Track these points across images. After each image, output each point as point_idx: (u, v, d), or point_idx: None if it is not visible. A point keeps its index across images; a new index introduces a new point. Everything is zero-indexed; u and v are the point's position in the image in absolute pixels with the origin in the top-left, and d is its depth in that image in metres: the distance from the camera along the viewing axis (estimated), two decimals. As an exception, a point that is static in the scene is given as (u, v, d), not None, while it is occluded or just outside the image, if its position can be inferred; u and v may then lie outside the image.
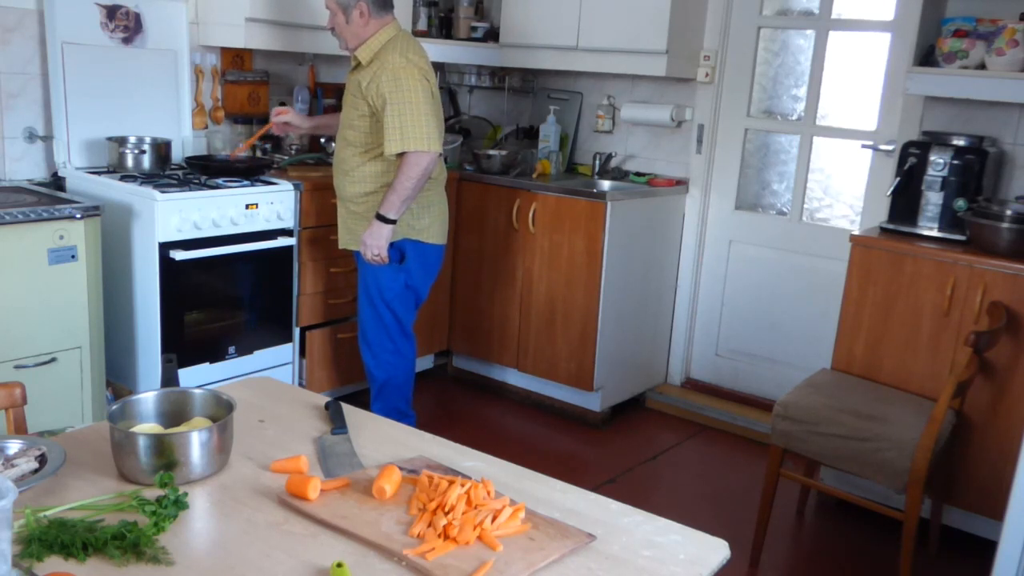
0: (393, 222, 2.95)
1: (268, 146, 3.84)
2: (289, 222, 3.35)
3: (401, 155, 2.89)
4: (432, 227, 3.13)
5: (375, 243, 2.97)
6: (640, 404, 4.21)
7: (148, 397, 1.53)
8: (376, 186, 3.03)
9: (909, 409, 2.80)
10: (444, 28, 4.36)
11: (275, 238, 3.30)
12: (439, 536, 1.26)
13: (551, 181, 4.02)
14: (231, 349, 3.28)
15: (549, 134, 4.30)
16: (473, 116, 4.72)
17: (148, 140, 3.31)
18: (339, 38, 3.04)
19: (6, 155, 3.16)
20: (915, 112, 3.45)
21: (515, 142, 4.52)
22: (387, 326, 3.16)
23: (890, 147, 3.58)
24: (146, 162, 3.25)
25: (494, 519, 1.30)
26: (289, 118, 3.31)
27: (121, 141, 3.25)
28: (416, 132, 2.85)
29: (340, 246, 3.21)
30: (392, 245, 3.04)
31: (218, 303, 3.24)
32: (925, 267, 2.98)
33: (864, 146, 3.71)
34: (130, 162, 3.23)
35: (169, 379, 1.63)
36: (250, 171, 3.38)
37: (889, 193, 3.27)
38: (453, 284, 4.20)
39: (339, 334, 3.62)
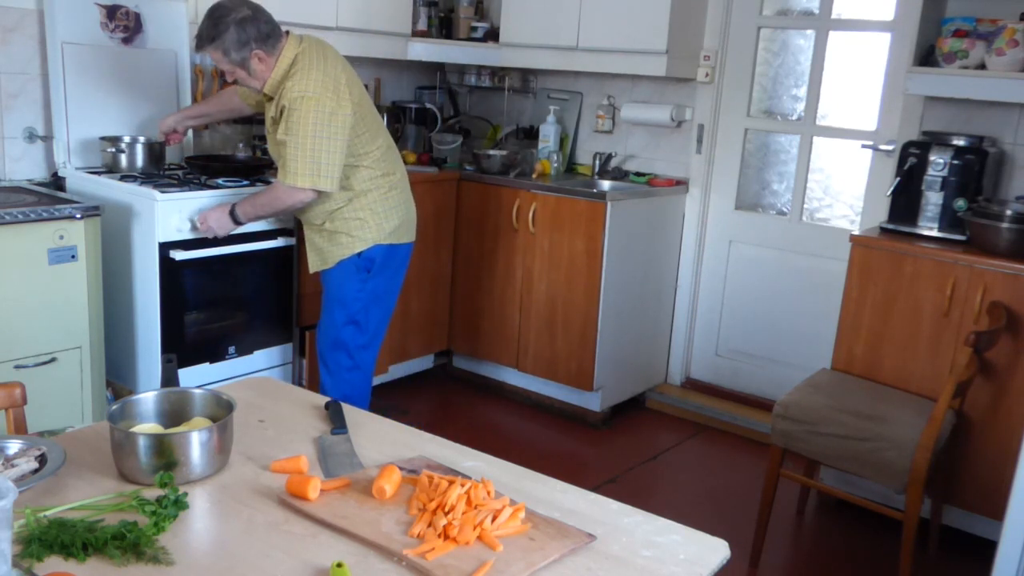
0: (239, 223, 2.94)
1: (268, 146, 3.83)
2: (289, 222, 3.35)
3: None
4: (400, 228, 3.04)
5: (215, 224, 2.94)
6: (640, 404, 4.21)
7: (148, 397, 1.53)
8: (339, 201, 2.91)
9: (909, 409, 2.80)
10: (444, 28, 4.36)
11: (275, 238, 3.30)
12: (439, 536, 1.26)
13: (551, 181, 4.02)
14: (231, 349, 3.28)
15: (549, 134, 4.30)
16: (473, 116, 4.72)
17: (141, 139, 3.28)
18: (247, 87, 2.90)
19: (6, 155, 3.16)
20: (915, 112, 3.45)
21: (515, 142, 4.52)
22: (346, 344, 3.05)
23: (890, 147, 3.58)
24: (139, 161, 3.23)
25: (494, 519, 1.30)
26: (171, 122, 3.24)
27: (113, 140, 3.23)
28: (296, 167, 2.73)
29: (311, 270, 3.07)
30: (360, 255, 2.95)
31: (218, 303, 3.23)
32: (925, 267, 2.98)
33: (864, 146, 3.71)
34: (123, 161, 3.21)
35: (169, 379, 1.64)
36: (250, 171, 3.38)
37: (889, 193, 3.27)
38: (453, 284, 4.20)
39: (339, 334, 3.62)
